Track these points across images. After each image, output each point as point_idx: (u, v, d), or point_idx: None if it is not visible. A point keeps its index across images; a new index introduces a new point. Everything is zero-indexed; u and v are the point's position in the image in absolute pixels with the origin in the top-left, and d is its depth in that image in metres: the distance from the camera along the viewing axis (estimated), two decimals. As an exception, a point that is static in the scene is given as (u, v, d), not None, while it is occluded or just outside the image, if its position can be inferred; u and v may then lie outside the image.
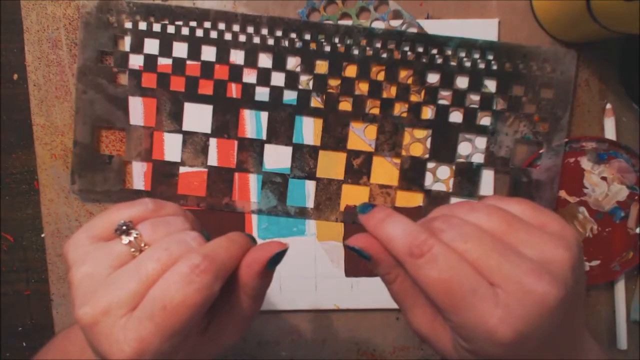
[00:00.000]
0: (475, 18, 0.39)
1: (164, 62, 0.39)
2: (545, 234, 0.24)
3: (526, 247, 0.23)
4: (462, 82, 0.39)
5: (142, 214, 0.27)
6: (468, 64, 0.38)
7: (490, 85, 0.39)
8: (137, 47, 0.38)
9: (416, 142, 0.39)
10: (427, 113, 0.39)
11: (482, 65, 0.38)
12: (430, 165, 0.39)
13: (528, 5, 0.39)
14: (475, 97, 0.39)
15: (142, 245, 0.26)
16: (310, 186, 0.40)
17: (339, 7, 0.39)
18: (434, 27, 0.39)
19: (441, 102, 0.39)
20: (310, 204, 0.40)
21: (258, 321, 0.41)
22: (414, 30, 0.39)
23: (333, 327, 0.41)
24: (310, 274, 0.41)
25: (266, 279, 0.27)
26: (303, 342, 0.42)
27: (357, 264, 0.40)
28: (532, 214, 0.25)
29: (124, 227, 0.26)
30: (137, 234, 0.26)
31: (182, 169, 0.40)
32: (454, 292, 0.22)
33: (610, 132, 0.40)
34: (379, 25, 0.39)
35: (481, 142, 0.39)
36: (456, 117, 0.39)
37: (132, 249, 0.25)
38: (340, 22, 0.39)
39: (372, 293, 0.41)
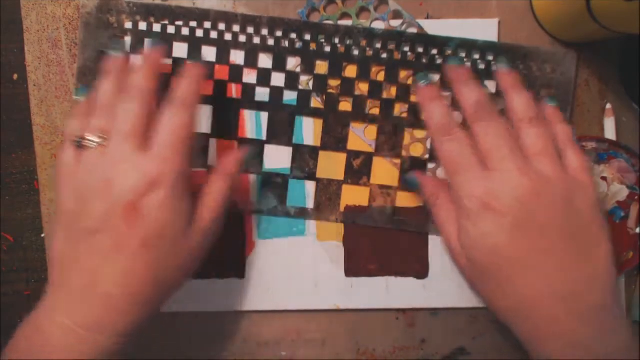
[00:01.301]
0: (475, 18, 0.39)
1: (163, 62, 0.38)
2: (558, 161, 0.32)
3: (538, 158, 0.32)
4: None
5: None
6: (468, 65, 0.38)
7: (490, 86, 0.39)
8: (137, 48, 0.38)
9: (416, 143, 0.39)
10: None
11: (482, 66, 0.38)
12: (430, 165, 0.39)
13: (528, 5, 0.39)
14: None
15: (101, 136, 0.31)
16: (310, 186, 0.40)
17: (339, 7, 0.39)
18: (434, 27, 0.39)
19: None
20: (310, 204, 0.40)
21: (258, 321, 0.41)
22: (414, 30, 0.39)
23: (333, 327, 0.41)
24: (310, 274, 0.41)
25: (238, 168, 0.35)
26: (303, 342, 0.42)
27: (357, 264, 0.40)
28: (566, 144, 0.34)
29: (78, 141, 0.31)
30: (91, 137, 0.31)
31: None
32: (457, 162, 0.32)
33: (610, 132, 0.40)
34: (379, 25, 0.39)
35: None
36: (456, 117, 0.39)
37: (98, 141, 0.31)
38: (341, 22, 0.39)
39: (372, 293, 0.41)
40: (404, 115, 0.39)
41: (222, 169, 0.35)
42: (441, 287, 0.40)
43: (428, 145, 0.39)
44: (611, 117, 0.40)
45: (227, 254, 0.40)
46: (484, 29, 0.39)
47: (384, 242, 0.40)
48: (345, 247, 0.40)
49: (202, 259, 0.33)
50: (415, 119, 0.39)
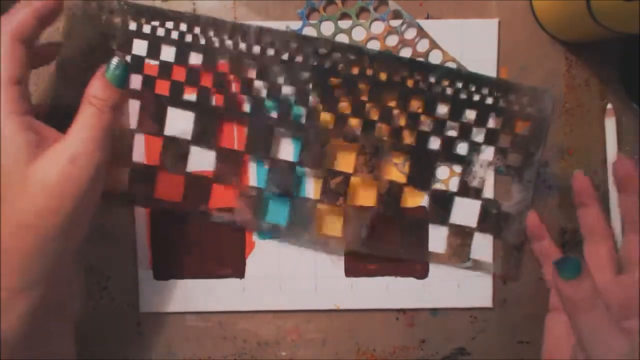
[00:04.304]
0: (475, 18, 0.39)
1: (151, 63, 0.38)
2: None
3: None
4: (443, 110, 0.38)
5: None
6: (450, 93, 0.38)
7: (470, 115, 0.39)
8: (124, 47, 0.38)
9: (395, 166, 0.39)
10: (408, 138, 0.39)
11: (463, 96, 0.38)
12: (406, 189, 0.39)
13: (528, 5, 0.39)
14: (455, 126, 0.39)
15: None
16: (284, 203, 0.39)
17: (339, 7, 0.39)
18: (433, 27, 0.39)
19: (422, 128, 0.39)
20: (283, 221, 0.39)
21: (258, 321, 0.41)
22: (413, 30, 0.39)
23: (333, 327, 0.41)
24: (310, 274, 0.41)
25: (108, 91, 0.30)
26: (303, 342, 0.42)
27: (357, 264, 0.40)
28: None
29: None
30: None
31: (161, 173, 0.39)
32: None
33: (611, 133, 0.40)
34: (378, 25, 0.39)
35: (457, 170, 0.39)
36: (435, 144, 0.39)
37: None
38: (332, 34, 0.38)
39: (372, 293, 0.41)
40: (385, 137, 0.38)
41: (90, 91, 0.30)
42: (441, 287, 0.40)
43: (406, 169, 0.39)
44: (612, 117, 0.39)
45: (227, 254, 0.40)
46: (484, 29, 0.39)
47: (383, 242, 0.40)
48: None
49: (79, 194, 0.28)
50: (397, 142, 0.38)
